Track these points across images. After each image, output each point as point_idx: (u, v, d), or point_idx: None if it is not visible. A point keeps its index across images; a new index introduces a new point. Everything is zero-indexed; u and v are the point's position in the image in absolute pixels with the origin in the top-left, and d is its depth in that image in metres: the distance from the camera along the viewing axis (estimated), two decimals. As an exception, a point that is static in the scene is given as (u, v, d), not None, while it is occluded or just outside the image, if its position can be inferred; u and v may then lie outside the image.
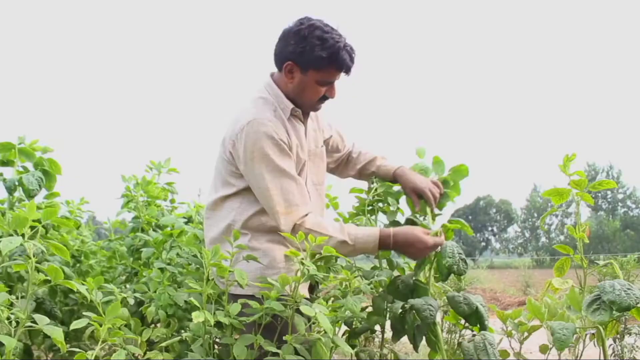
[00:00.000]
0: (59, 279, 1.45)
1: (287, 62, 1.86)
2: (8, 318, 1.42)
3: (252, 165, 1.79)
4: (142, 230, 2.31)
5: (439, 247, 1.85)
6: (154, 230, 2.25)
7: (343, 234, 1.80)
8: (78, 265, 2.83)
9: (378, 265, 2.05)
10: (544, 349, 2.15)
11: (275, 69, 1.97)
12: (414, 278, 1.95)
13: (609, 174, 44.59)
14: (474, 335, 1.84)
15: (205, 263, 1.60)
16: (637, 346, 2.52)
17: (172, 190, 2.55)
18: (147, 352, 1.61)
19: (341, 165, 2.28)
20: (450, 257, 1.80)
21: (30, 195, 2.00)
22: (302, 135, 1.95)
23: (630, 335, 2.54)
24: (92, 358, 1.41)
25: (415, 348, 1.93)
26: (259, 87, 1.98)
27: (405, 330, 1.90)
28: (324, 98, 1.93)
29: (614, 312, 1.56)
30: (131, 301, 1.90)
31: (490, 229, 58.21)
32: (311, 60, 1.82)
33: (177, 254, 2.08)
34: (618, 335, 2.54)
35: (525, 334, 2.18)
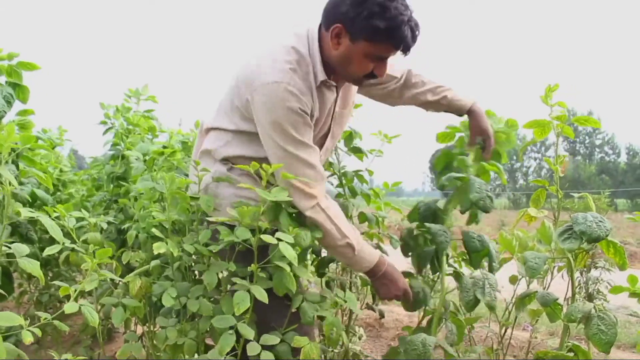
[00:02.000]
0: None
1: (336, 25, 1.60)
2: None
3: (268, 131, 1.62)
4: (123, 158, 2.28)
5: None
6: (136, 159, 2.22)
7: (357, 240, 1.71)
8: (58, 193, 2.82)
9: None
10: (513, 280, 2.24)
11: None
12: (436, 204, 1.98)
13: (589, 119, 44.92)
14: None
15: (166, 190, 1.56)
16: (601, 279, 2.63)
17: (152, 117, 2.50)
18: (126, 277, 1.63)
19: (394, 92, 2.06)
20: (477, 193, 1.80)
21: (-1, 117, 1.81)
22: (330, 102, 1.76)
23: (596, 268, 2.64)
24: (77, 291, 1.40)
25: (419, 271, 2.00)
26: (300, 32, 1.71)
27: (414, 249, 1.98)
28: (371, 75, 1.68)
29: (583, 241, 1.61)
30: (104, 225, 1.90)
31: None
32: (365, 29, 1.56)
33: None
34: (585, 269, 2.65)
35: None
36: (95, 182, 2.67)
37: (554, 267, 2.13)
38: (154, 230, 1.63)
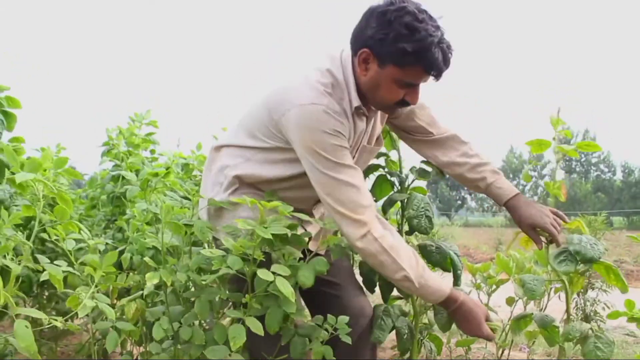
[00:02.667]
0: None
1: (363, 50, 1.52)
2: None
3: (305, 154, 1.54)
4: (124, 178, 2.31)
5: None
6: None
7: (416, 273, 1.55)
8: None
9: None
10: (510, 301, 2.25)
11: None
12: None
13: (585, 137, 45.25)
14: None
15: (162, 219, 1.54)
16: (598, 300, 2.64)
17: (153, 141, 2.54)
18: (120, 300, 1.63)
19: (430, 144, 1.91)
20: (413, 210, 1.79)
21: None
22: (360, 132, 1.68)
23: (593, 289, 2.65)
24: (88, 295, 1.42)
25: (384, 299, 1.95)
26: (334, 55, 1.64)
27: (375, 280, 1.91)
28: (403, 103, 1.59)
29: (579, 263, 1.64)
30: (101, 247, 1.90)
31: (466, 188, 58.79)
32: (392, 53, 1.47)
33: (164, 194, 2.07)
34: (582, 290, 2.65)
35: (494, 287, 2.28)
36: (93, 201, 2.68)
37: (551, 288, 2.14)
38: (146, 259, 1.61)
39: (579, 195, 40.35)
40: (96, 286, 1.51)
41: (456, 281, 1.91)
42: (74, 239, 1.72)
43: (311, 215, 1.78)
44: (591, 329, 1.68)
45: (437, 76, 1.53)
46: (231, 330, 1.45)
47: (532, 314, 1.91)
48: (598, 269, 1.71)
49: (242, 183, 1.67)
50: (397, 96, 1.56)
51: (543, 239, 1.76)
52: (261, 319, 1.51)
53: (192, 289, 1.65)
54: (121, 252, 1.94)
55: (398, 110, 1.67)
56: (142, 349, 1.97)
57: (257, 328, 1.47)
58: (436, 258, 1.86)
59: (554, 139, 1.86)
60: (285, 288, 1.44)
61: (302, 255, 1.58)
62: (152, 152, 2.50)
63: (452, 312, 1.66)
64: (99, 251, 1.95)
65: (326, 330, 1.59)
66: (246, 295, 1.51)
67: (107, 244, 2.11)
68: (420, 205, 1.82)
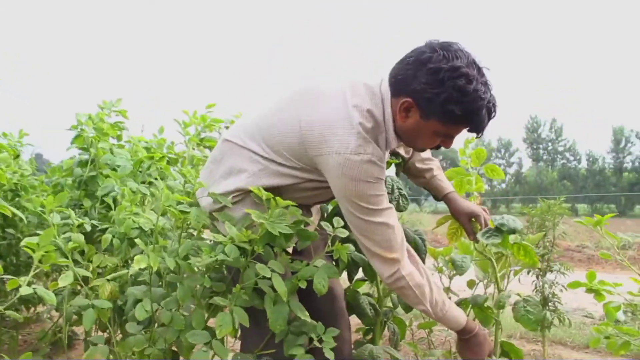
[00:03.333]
0: None
1: (407, 99, 1.49)
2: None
3: (344, 201, 1.55)
4: (92, 162, 2.32)
5: None
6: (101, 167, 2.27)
7: (436, 308, 1.66)
8: (17, 199, 2.79)
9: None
10: (471, 284, 2.32)
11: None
12: None
13: (551, 127, 46.19)
14: None
15: (162, 202, 1.53)
16: (556, 282, 2.73)
17: (120, 128, 2.55)
18: (95, 280, 1.63)
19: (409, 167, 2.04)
20: (389, 193, 1.83)
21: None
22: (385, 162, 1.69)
23: (551, 272, 2.74)
24: (25, 283, 1.40)
25: (350, 280, 2.02)
26: (373, 89, 1.58)
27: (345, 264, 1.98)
28: (437, 147, 1.61)
29: (504, 236, 1.80)
30: (88, 227, 1.90)
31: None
32: (439, 112, 1.46)
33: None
34: (541, 272, 2.75)
35: (454, 272, 2.35)
36: (57, 188, 2.65)
37: (510, 271, 2.22)
38: (137, 241, 1.61)
39: (545, 183, 41.25)
40: (37, 268, 1.49)
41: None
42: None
43: (309, 213, 1.81)
44: (518, 294, 1.88)
45: (478, 134, 1.54)
46: (219, 318, 1.46)
47: (486, 296, 1.99)
48: (512, 248, 1.86)
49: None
50: (434, 143, 1.58)
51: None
52: (250, 311, 1.53)
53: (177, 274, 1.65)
54: (89, 234, 1.95)
55: (427, 149, 1.71)
56: (108, 333, 1.97)
57: (243, 319, 1.50)
58: None
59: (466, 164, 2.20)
60: (281, 287, 1.48)
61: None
62: (119, 138, 2.48)
63: (464, 340, 1.76)
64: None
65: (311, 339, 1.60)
66: (236, 285, 1.52)
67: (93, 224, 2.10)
68: (394, 186, 1.88)
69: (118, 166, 2.27)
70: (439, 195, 2.02)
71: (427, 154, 2.01)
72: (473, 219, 1.93)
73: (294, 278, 1.58)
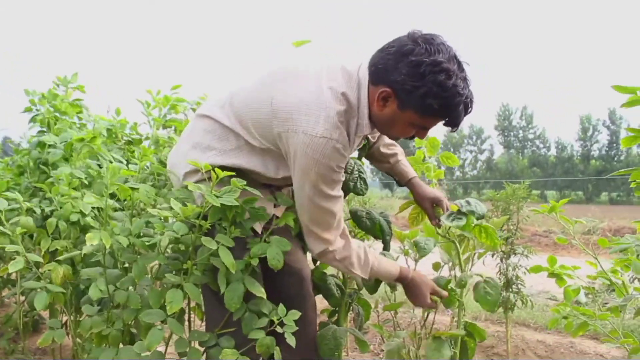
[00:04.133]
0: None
1: (385, 89, 1.50)
2: None
3: (300, 180, 1.55)
4: (49, 145, 2.21)
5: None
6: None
7: (365, 271, 1.76)
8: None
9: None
10: (436, 267, 2.35)
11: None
12: None
13: (522, 115, 46.87)
14: None
15: (107, 179, 1.50)
16: (520, 265, 2.78)
17: (80, 106, 2.43)
18: (47, 264, 1.59)
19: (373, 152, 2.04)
20: (347, 174, 1.82)
21: None
22: (355, 147, 1.71)
23: (515, 255, 2.80)
24: None
25: (315, 262, 2.02)
26: (351, 72, 1.58)
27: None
28: (411, 137, 1.64)
29: (468, 219, 1.82)
30: (37, 210, 1.85)
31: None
32: (417, 105, 1.47)
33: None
34: (504, 255, 2.80)
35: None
36: (20, 169, 2.58)
37: (475, 253, 2.25)
38: (89, 219, 1.58)
39: (516, 170, 41.95)
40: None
41: (385, 246, 1.99)
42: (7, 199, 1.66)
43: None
44: (480, 275, 1.89)
45: (453, 128, 1.55)
46: (169, 294, 1.45)
47: (449, 278, 2.01)
48: (473, 231, 1.87)
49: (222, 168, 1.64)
50: (408, 134, 1.60)
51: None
52: (212, 290, 1.52)
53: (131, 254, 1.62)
54: (46, 217, 1.89)
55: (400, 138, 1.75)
56: (71, 317, 1.94)
57: (195, 295, 1.49)
58: (365, 224, 1.94)
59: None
60: (228, 259, 1.47)
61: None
62: (80, 118, 2.39)
63: (404, 286, 1.88)
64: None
65: (272, 321, 1.59)
66: (188, 262, 1.51)
67: (34, 210, 2.05)
68: (354, 169, 1.86)
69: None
70: (402, 180, 2.06)
71: (390, 140, 2.03)
72: (435, 204, 1.99)
73: (247, 256, 1.57)
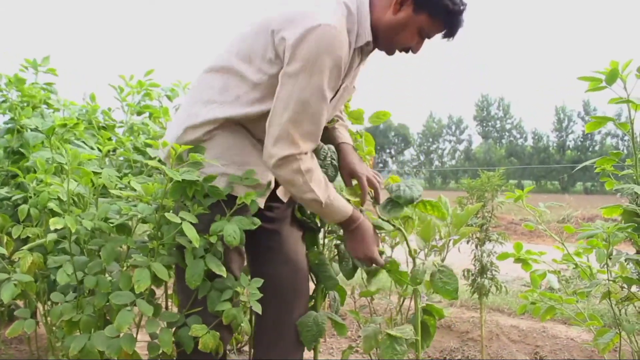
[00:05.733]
0: None
1: None
2: None
3: (298, 70, 1.49)
4: (19, 132, 2.16)
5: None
6: (32, 131, 2.11)
7: (324, 194, 1.60)
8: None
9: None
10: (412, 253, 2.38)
11: None
12: None
13: (499, 105, 47.41)
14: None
15: (69, 163, 1.49)
16: (494, 251, 2.82)
17: (50, 91, 2.37)
18: (17, 252, 1.56)
19: None
20: (320, 160, 1.81)
21: None
22: (352, 69, 1.69)
23: (490, 241, 2.83)
24: None
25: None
26: None
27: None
28: (407, 49, 1.67)
29: (403, 207, 1.76)
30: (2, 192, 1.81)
31: (388, 151, 60.55)
32: (434, 5, 1.57)
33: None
34: (479, 242, 2.83)
35: (397, 240, 2.40)
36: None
37: (450, 240, 2.27)
38: (51, 204, 1.56)
39: (493, 160, 42.49)
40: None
41: None
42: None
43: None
44: (434, 264, 1.83)
45: (448, 37, 1.64)
46: (136, 273, 1.45)
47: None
48: (418, 207, 1.84)
49: (222, 125, 1.63)
50: (411, 42, 1.64)
51: (369, 198, 1.84)
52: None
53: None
54: (16, 205, 1.86)
55: (395, 52, 1.71)
56: (43, 306, 1.92)
57: (163, 274, 1.49)
58: None
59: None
60: (191, 232, 1.47)
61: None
62: (49, 106, 2.31)
63: (350, 231, 1.71)
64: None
65: (237, 292, 1.59)
66: (153, 242, 1.52)
67: (4, 198, 2.01)
68: (327, 154, 1.84)
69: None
70: (334, 144, 1.89)
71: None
72: (353, 178, 1.84)
73: (207, 234, 1.56)
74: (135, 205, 1.54)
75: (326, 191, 1.62)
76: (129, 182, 1.61)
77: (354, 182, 1.84)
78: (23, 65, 2.35)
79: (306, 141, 1.55)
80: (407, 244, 1.87)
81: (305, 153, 1.56)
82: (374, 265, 1.79)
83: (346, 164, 1.83)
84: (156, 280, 1.53)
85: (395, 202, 1.77)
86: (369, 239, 1.72)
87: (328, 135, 1.88)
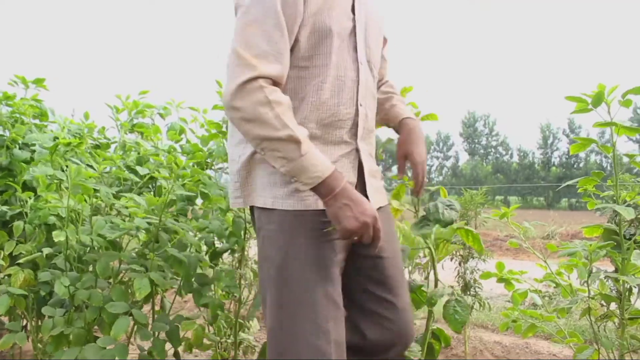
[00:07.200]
0: None
1: None
2: None
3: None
4: (8, 148, 2.18)
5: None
6: (20, 148, 2.13)
7: (299, 140, 1.21)
8: None
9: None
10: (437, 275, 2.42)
11: None
12: None
13: (485, 122, 47.89)
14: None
15: (70, 178, 1.51)
16: (478, 269, 2.87)
17: (39, 108, 2.38)
18: (9, 268, 1.59)
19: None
20: None
21: None
22: None
23: (473, 258, 2.88)
24: None
25: None
26: None
27: None
28: None
29: (435, 226, 1.75)
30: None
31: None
32: None
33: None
34: (463, 259, 2.88)
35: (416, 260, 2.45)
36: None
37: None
38: (52, 219, 1.60)
39: (480, 176, 42.78)
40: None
41: None
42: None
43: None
44: (453, 292, 1.84)
45: None
46: (136, 282, 1.50)
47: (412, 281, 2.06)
48: (460, 233, 1.88)
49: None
50: None
51: (409, 190, 1.74)
52: None
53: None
54: (7, 223, 1.87)
55: None
56: (32, 321, 1.93)
57: (160, 282, 1.57)
58: None
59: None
60: (191, 238, 1.62)
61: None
62: (42, 119, 2.33)
63: (335, 196, 1.24)
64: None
65: None
66: (150, 253, 1.60)
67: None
68: None
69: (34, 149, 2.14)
70: (395, 123, 1.59)
71: (387, 85, 1.67)
72: (409, 164, 1.54)
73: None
74: (130, 221, 1.59)
75: (300, 138, 1.22)
76: (128, 199, 1.65)
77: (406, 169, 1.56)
78: (12, 80, 2.37)
79: (262, 61, 1.22)
80: (434, 265, 1.88)
81: (267, 78, 1.23)
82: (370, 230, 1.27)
83: (404, 144, 1.52)
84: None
85: (429, 221, 1.70)
86: (359, 198, 1.26)
87: (388, 116, 1.61)
